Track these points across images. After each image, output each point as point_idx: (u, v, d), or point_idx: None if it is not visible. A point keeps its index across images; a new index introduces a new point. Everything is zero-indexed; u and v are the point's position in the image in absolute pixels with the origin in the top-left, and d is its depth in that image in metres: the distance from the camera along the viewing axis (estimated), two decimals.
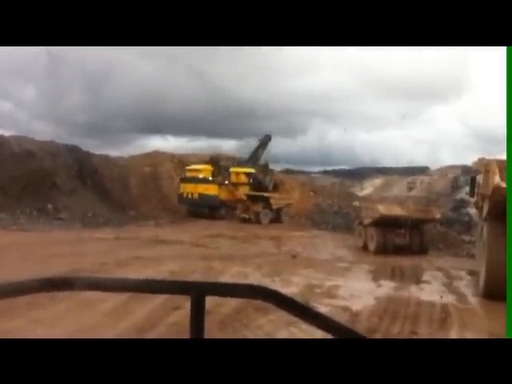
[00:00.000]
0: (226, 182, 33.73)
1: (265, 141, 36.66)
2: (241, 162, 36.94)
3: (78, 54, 65.41)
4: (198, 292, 1.25)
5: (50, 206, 27.74)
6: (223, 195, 33.64)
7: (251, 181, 34.70)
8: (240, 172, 34.88)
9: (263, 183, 34.59)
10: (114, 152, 52.93)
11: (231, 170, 35.05)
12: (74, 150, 34.22)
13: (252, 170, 34.84)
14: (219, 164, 34.72)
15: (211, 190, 33.18)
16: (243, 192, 33.67)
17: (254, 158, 36.18)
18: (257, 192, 33.38)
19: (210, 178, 33.64)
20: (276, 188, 35.42)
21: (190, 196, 33.56)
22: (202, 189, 33.14)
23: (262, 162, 36.39)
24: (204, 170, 34.09)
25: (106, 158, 37.84)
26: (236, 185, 34.28)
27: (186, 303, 1.30)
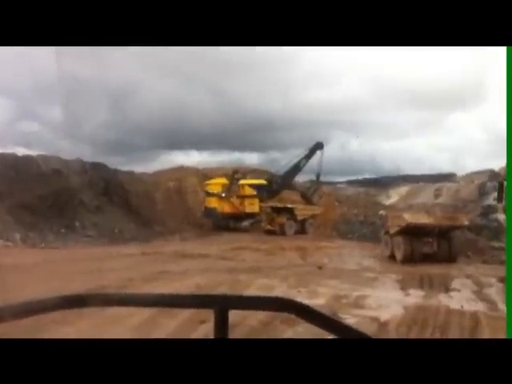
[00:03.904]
0: (223, 195, 33.25)
1: (313, 149, 34.93)
2: (275, 173, 36.26)
3: (101, 75, 66.58)
4: (221, 306, 1.26)
5: (77, 223, 28.10)
6: (226, 208, 33.34)
7: (300, 193, 35.10)
8: (245, 184, 34.51)
9: (306, 195, 34.78)
10: (138, 168, 53.50)
11: (240, 182, 34.65)
12: (99, 168, 34.69)
13: (263, 182, 34.54)
14: (233, 177, 34.38)
15: (212, 202, 33.44)
16: (248, 204, 33.63)
17: (295, 169, 34.75)
18: (303, 203, 33.76)
19: (211, 191, 33.73)
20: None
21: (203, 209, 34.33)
22: (207, 202, 33.88)
23: (302, 171, 35.58)
24: (214, 184, 34.22)
25: (131, 174, 38.23)
26: (243, 197, 33.96)
27: (212, 316, 1.30)
